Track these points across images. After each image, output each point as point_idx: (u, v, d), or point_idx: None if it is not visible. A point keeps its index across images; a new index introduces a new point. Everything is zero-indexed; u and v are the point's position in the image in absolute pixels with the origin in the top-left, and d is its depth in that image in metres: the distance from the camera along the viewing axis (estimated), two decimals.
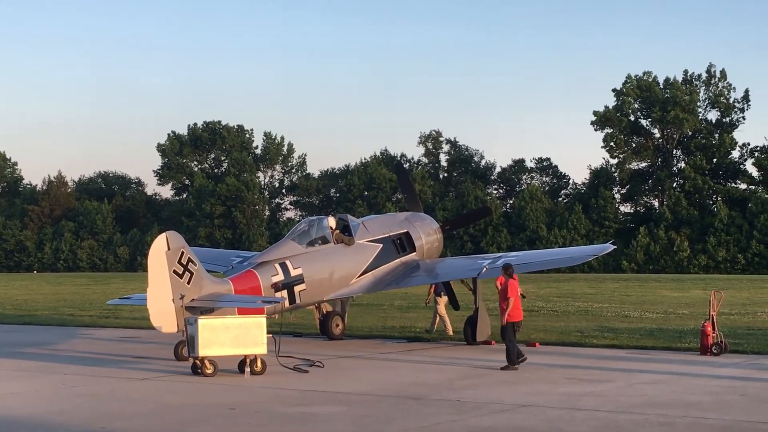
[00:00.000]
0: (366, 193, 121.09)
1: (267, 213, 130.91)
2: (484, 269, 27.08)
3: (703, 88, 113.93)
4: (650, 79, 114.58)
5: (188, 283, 22.43)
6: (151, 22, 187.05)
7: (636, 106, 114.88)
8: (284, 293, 25.46)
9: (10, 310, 44.74)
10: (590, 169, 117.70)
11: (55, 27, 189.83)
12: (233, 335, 20.88)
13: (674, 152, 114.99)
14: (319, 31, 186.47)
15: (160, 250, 22.20)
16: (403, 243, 29.25)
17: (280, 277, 25.51)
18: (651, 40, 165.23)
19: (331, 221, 28.03)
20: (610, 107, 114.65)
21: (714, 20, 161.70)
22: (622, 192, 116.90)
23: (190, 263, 22.58)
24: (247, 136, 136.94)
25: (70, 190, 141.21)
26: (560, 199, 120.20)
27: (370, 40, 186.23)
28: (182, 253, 22.45)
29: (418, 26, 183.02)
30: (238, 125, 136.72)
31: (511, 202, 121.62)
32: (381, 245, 28.48)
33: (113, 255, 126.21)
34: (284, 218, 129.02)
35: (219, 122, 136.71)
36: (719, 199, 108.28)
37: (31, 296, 57.50)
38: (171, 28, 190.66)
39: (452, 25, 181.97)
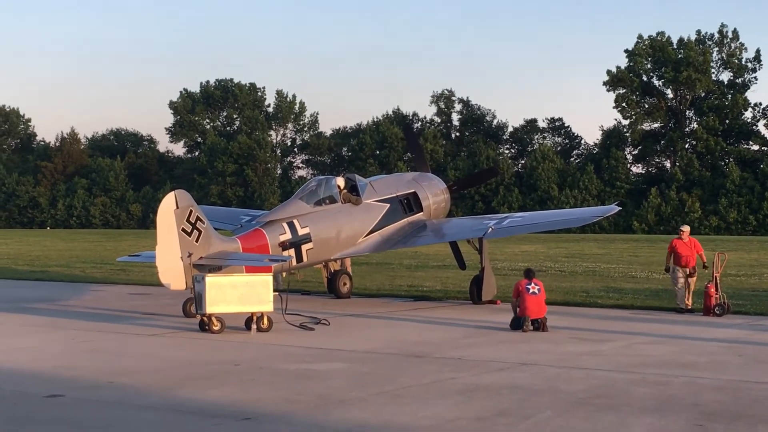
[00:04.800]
0: (378, 152, 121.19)
1: (279, 171, 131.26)
2: (490, 229, 27.29)
3: (716, 48, 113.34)
4: (663, 39, 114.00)
5: (196, 241, 22.66)
6: None
7: (648, 66, 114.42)
8: (291, 252, 25.71)
9: (23, 266, 45.22)
10: (602, 129, 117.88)
11: None
12: (240, 293, 21.15)
13: (687, 113, 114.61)
14: None
15: (169, 209, 22.43)
16: (410, 203, 29.43)
17: (287, 235, 25.72)
18: None
19: (340, 181, 28.22)
20: (623, 68, 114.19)
21: None
22: (633, 153, 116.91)
23: (199, 222, 22.81)
24: (259, 94, 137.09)
25: (82, 147, 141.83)
26: (572, 159, 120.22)
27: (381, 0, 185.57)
28: (190, 211, 22.67)
29: None
30: (250, 83, 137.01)
31: (522, 162, 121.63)
32: (388, 205, 28.66)
33: (126, 212, 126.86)
34: (296, 177, 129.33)
35: (231, 80, 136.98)
36: (731, 160, 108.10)
37: (44, 252, 58.02)
38: None
39: None
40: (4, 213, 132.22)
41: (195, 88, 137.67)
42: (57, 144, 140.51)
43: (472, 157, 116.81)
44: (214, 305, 21.03)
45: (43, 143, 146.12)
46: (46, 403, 13.49)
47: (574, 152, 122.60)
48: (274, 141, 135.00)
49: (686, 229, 26.41)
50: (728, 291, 28.92)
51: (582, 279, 36.30)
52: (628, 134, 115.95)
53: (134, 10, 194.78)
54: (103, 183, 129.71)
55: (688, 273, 25.69)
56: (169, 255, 22.37)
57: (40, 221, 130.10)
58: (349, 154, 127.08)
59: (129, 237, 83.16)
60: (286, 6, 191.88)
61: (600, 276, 37.85)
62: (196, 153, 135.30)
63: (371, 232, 28.11)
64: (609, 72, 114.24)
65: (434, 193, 30.39)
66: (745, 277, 36.55)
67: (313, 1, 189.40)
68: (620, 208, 33.76)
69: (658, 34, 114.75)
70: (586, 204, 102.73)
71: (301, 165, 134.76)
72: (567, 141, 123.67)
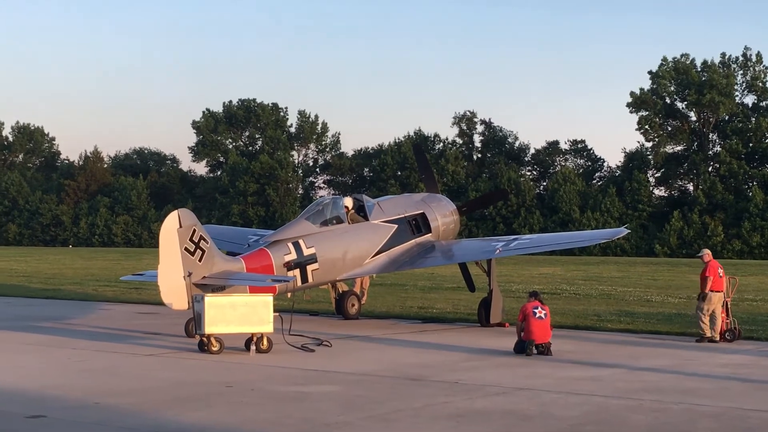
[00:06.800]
0: (399, 173, 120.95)
1: (300, 191, 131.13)
2: (497, 251, 27.01)
3: (740, 71, 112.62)
4: (687, 62, 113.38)
5: (199, 260, 22.51)
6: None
7: (672, 88, 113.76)
8: (296, 272, 25.48)
9: (37, 284, 45.22)
10: (625, 151, 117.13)
11: (93, 5, 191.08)
12: (240, 313, 20.94)
13: (710, 136, 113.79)
14: (354, 9, 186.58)
15: (172, 228, 22.29)
16: (418, 224, 29.14)
17: (292, 256, 25.50)
18: (688, 21, 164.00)
19: (347, 201, 28.02)
20: (646, 90, 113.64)
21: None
22: (656, 175, 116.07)
23: (202, 241, 22.65)
24: (282, 114, 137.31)
25: (106, 165, 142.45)
26: (594, 181, 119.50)
27: (404, 19, 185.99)
28: (194, 230, 22.52)
29: (453, 5, 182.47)
30: (272, 103, 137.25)
31: (544, 184, 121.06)
32: (396, 226, 28.39)
33: (147, 231, 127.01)
34: (317, 197, 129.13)
35: (254, 100, 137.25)
36: (755, 183, 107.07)
37: (61, 270, 58.04)
38: (207, 4, 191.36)
39: (487, 5, 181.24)
40: (28, 231, 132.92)
41: (218, 108, 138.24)
42: (80, 163, 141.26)
43: (493, 178, 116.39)
44: (212, 325, 20.83)
45: (66, 162, 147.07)
46: (26, 424, 13.29)
47: (596, 174, 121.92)
48: (296, 161, 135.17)
49: (701, 253, 25.16)
50: (743, 316, 28.56)
51: (596, 302, 35.86)
52: (650, 157, 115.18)
53: (158, 30, 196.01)
54: (125, 202, 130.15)
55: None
56: (171, 274, 22.22)
57: (62, 239, 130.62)
58: (371, 174, 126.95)
59: (149, 256, 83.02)
60: (309, 27, 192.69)
61: (615, 299, 37.39)
62: (218, 172, 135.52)
63: (378, 252, 27.83)
64: (632, 94, 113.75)
65: (443, 215, 30.08)
66: (763, 302, 36.00)
67: (336, 23, 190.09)
68: (628, 231, 33.44)
69: (682, 56, 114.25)
70: (608, 226, 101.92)
71: (322, 185, 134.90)
72: (589, 163, 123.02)
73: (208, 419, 13.55)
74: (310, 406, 14.74)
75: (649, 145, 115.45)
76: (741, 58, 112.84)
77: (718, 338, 23.82)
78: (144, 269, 49.11)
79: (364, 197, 28.87)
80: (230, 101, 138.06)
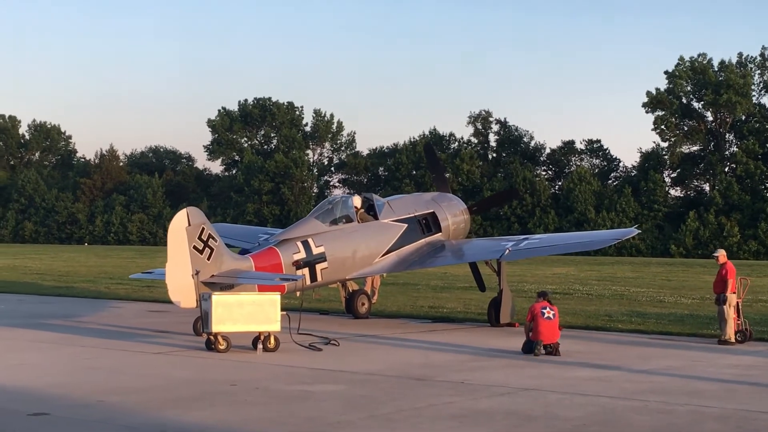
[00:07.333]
0: (414, 172, 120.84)
1: (315, 190, 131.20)
2: (507, 251, 26.90)
3: (757, 71, 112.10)
4: (704, 62, 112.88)
5: (208, 259, 22.52)
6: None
7: (689, 88, 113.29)
8: (305, 271, 25.44)
9: (50, 282, 45.34)
10: (640, 151, 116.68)
11: (108, 3, 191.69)
12: (247, 312, 20.92)
13: (726, 136, 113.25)
14: (369, 8, 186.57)
15: (181, 226, 22.34)
16: (428, 223, 29.09)
17: (301, 254, 25.48)
18: (705, 21, 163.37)
19: (357, 200, 27.98)
20: (663, 89, 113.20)
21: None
22: (672, 176, 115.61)
23: (211, 239, 22.65)
24: (297, 113, 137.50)
25: (121, 164, 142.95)
26: (609, 181, 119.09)
27: (419, 20, 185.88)
28: (203, 229, 22.53)
29: (467, 5, 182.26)
30: (288, 102, 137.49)
31: (559, 183, 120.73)
32: (406, 225, 28.35)
33: (162, 229, 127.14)
34: (332, 196, 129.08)
35: (269, 99, 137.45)
36: None
37: (74, 268, 58.16)
38: (222, 4, 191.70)
39: (502, 4, 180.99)
40: (44, 229, 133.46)
41: (233, 107, 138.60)
42: (96, 161, 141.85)
43: (508, 178, 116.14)
44: (220, 324, 20.82)
45: (83, 160, 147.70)
46: (29, 422, 13.27)
47: (612, 174, 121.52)
48: (311, 160, 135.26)
49: (717, 253, 24.64)
50: (756, 317, 28.39)
51: (608, 303, 35.70)
52: (666, 157, 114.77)
53: (173, 29, 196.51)
54: (140, 200, 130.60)
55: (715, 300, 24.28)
56: (179, 273, 22.26)
57: (78, 237, 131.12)
58: (386, 173, 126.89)
59: (163, 254, 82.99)
60: (324, 26, 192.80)
61: (627, 300, 37.22)
62: (234, 171, 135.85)
63: (388, 251, 27.78)
64: (648, 93, 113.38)
65: (453, 214, 30.01)
66: None
67: (350, 22, 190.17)
68: (639, 231, 33.26)
69: (699, 56, 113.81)
70: (623, 227, 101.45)
71: (337, 184, 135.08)
72: (605, 163, 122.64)
73: (211, 418, 13.51)
74: (313, 405, 14.68)
75: (665, 145, 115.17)
76: (758, 58, 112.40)
77: (733, 339, 23.71)
78: (158, 267, 49.28)
79: (374, 196, 28.85)
80: (246, 100, 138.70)
